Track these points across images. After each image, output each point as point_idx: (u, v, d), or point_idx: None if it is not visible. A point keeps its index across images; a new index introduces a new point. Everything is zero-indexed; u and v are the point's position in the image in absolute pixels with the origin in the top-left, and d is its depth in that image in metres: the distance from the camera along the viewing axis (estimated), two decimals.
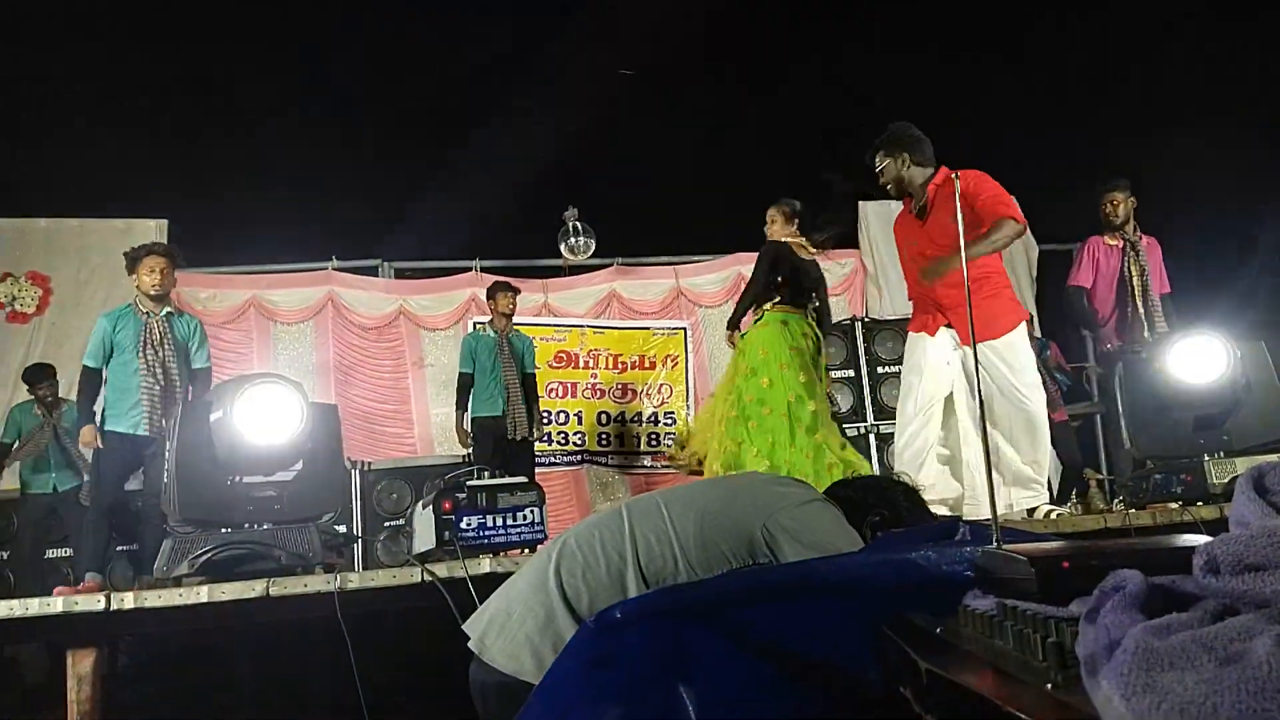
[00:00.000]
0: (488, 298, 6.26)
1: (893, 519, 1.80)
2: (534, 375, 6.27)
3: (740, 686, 1.07)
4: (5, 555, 5.71)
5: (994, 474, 3.72)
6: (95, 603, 2.68)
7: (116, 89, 7.57)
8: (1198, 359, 3.66)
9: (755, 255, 8.04)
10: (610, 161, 7.90)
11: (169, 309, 4.57)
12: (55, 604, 2.67)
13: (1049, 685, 0.72)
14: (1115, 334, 5.25)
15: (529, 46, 8.82)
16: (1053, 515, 3.76)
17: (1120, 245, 5.18)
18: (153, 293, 4.45)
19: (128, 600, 2.68)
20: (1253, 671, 0.57)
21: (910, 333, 4.07)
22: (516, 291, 6.23)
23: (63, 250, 7.05)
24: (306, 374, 6.97)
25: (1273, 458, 3.18)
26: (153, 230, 7.16)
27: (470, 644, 1.72)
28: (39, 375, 5.74)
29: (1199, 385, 3.64)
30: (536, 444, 6.41)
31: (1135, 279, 5.08)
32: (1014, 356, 3.73)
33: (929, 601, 1.06)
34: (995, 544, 1.06)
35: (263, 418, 3.00)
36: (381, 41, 8.66)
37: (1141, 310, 5.01)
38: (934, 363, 3.87)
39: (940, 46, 8.58)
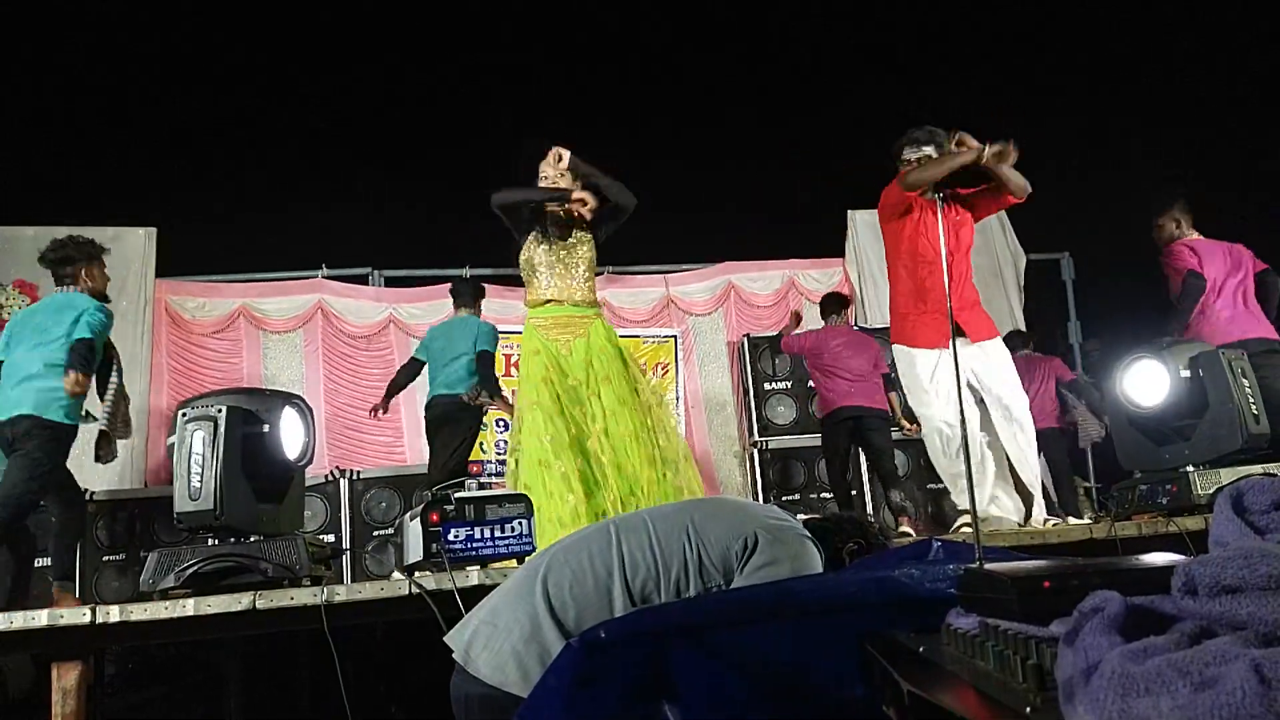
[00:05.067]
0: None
1: (867, 550, 1.88)
2: None
3: (725, 706, 1.07)
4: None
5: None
6: (81, 616, 2.66)
7: (106, 96, 7.56)
8: (1143, 383, 3.78)
9: (745, 264, 8.13)
10: (600, 169, 7.92)
11: None
12: (40, 617, 2.65)
13: (1028, 709, 0.73)
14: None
15: (528, 53, 8.84)
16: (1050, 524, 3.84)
17: None
18: None
19: (113, 614, 2.66)
20: (1226, 698, 0.57)
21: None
22: None
23: None
24: (295, 383, 6.94)
25: (1254, 469, 3.21)
26: (141, 238, 7.13)
27: (455, 655, 1.72)
28: None
29: (1147, 407, 3.75)
30: None
31: None
32: None
33: (913, 619, 1.06)
34: (978, 562, 1.06)
35: (291, 436, 3.30)
36: (374, 49, 8.67)
37: None
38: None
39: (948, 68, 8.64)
